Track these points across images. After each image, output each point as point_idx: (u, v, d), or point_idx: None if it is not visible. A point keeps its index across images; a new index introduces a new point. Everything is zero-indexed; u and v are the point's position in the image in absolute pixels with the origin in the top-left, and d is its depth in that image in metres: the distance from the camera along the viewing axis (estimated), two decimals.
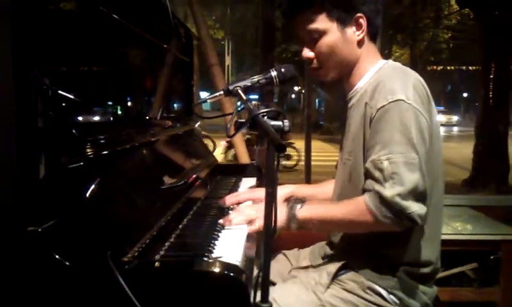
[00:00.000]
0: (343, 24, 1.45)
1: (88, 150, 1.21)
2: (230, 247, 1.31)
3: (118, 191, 1.27)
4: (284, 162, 9.67)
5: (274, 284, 1.60)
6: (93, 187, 1.13)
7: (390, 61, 1.51)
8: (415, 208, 1.26)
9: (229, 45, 21.73)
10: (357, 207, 1.34)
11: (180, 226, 1.49)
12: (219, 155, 10.10)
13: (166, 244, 1.31)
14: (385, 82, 1.37)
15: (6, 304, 1.07)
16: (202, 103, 1.72)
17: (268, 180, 1.11)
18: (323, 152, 11.44)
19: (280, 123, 1.15)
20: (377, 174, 1.30)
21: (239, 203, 1.71)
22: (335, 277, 1.49)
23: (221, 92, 1.35)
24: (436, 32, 18.37)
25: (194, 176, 1.89)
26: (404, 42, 19.92)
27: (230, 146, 8.03)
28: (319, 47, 1.47)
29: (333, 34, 1.45)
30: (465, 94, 33.18)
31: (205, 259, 1.19)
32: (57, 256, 1.03)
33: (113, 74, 1.62)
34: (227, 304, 1.05)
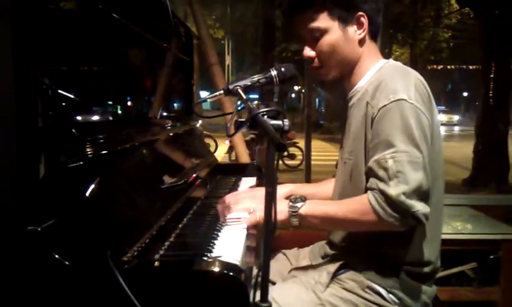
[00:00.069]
0: (344, 23, 1.45)
1: (88, 150, 1.21)
2: (229, 246, 1.31)
3: (117, 191, 1.27)
4: (288, 162, 9.68)
5: (274, 283, 1.60)
6: (92, 186, 1.13)
7: (391, 61, 1.51)
8: (419, 207, 1.26)
9: (229, 44, 21.74)
10: (360, 206, 1.34)
11: (180, 226, 1.49)
12: (222, 154, 10.10)
13: (166, 243, 1.31)
14: (387, 81, 1.37)
15: (6, 304, 1.07)
16: (202, 103, 1.72)
17: (268, 179, 1.11)
18: (323, 151, 11.45)
19: (279, 122, 1.15)
20: (381, 173, 1.29)
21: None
22: (334, 276, 1.49)
23: (221, 91, 1.35)
24: (437, 31, 18.37)
25: (194, 175, 1.89)
26: (404, 41, 19.91)
27: (233, 145, 8.04)
28: (320, 45, 1.47)
29: (335, 32, 1.45)
30: (465, 94, 33.20)
31: (205, 258, 1.19)
32: (56, 256, 1.03)
33: (113, 73, 1.62)
34: (227, 304, 1.05)
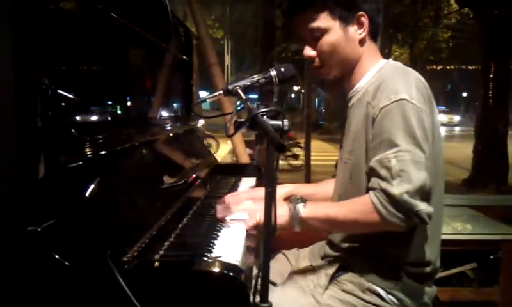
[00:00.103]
0: (345, 22, 1.44)
1: (87, 150, 1.21)
2: (229, 246, 1.31)
3: (117, 191, 1.27)
4: (291, 162, 9.69)
5: (274, 284, 1.60)
6: (92, 186, 1.13)
7: (391, 61, 1.51)
8: (422, 206, 1.25)
9: (228, 44, 21.74)
10: (362, 206, 1.32)
11: (180, 226, 1.49)
12: (223, 154, 10.08)
13: (166, 243, 1.31)
14: (388, 81, 1.37)
15: (6, 304, 1.07)
16: (201, 103, 1.72)
17: (268, 180, 1.11)
18: (323, 152, 11.46)
19: (279, 122, 1.15)
20: (383, 172, 1.28)
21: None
22: (333, 278, 1.49)
23: (221, 91, 1.34)
24: (436, 31, 18.36)
25: (193, 175, 1.89)
26: (403, 41, 19.91)
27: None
28: (321, 45, 1.47)
29: (335, 32, 1.45)
30: (465, 94, 33.21)
31: (205, 258, 1.19)
32: (56, 256, 1.03)
33: (112, 74, 1.62)
34: (227, 304, 1.05)
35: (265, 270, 1.08)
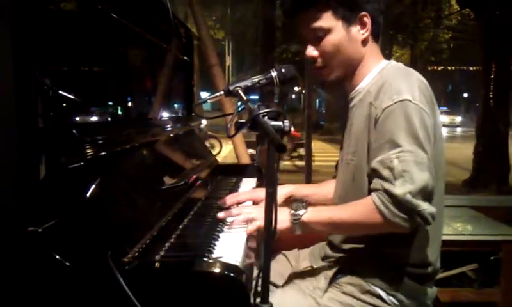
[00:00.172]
0: (348, 23, 1.44)
1: (88, 150, 1.20)
2: (230, 247, 1.31)
3: (118, 191, 1.27)
4: (297, 163, 9.68)
5: (275, 285, 1.60)
6: (93, 187, 1.13)
7: (393, 62, 1.51)
8: (425, 206, 1.25)
9: (229, 45, 21.72)
10: (365, 208, 1.32)
11: (181, 227, 1.49)
12: (224, 155, 10.05)
13: (166, 244, 1.31)
14: (390, 82, 1.37)
15: (6, 304, 1.07)
16: (202, 104, 1.72)
17: (268, 180, 1.10)
18: (323, 152, 11.45)
19: (280, 123, 1.15)
20: (386, 173, 1.28)
21: (239, 204, 1.71)
22: (333, 280, 1.48)
23: (222, 92, 1.35)
24: (437, 32, 18.36)
25: (194, 176, 1.89)
26: (404, 42, 19.91)
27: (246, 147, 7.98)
28: (324, 45, 1.46)
29: (338, 32, 1.45)
30: (466, 95, 33.17)
31: (205, 259, 1.19)
32: (57, 257, 1.03)
33: (114, 74, 1.62)
34: (227, 305, 1.05)
35: (265, 271, 1.08)
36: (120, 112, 1.69)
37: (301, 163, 9.63)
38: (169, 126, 2.02)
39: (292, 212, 1.42)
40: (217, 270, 1.06)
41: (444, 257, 1.53)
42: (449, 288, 2.74)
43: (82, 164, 1.16)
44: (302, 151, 9.64)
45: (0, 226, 1.07)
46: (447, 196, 1.51)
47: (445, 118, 26.31)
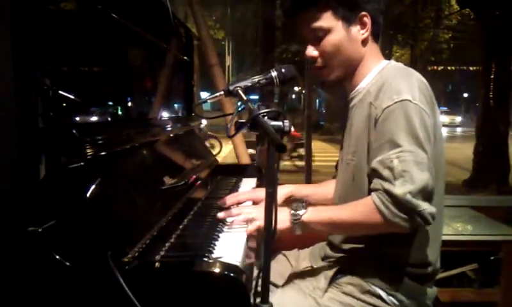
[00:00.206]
0: (348, 22, 1.44)
1: (88, 150, 1.20)
2: (230, 247, 1.31)
3: (118, 191, 1.27)
4: (297, 163, 9.68)
5: (275, 285, 1.60)
6: (93, 187, 1.13)
7: (393, 62, 1.51)
8: (425, 206, 1.25)
9: (229, 45, 21.72)
10: (365, 208, 1.32)
11: (181, 227, 1.49)
12: (230, 154, 10.04)
13: (167, 244, 1.31)
14: (390, 82, 1.37)
15: (6, 304, 1.07)
16: (202, 104, 1.72)
17: (268, 180, 1.10)
18: (324, 152, 11.45)
19: (280, 123, 1.15)
20: (386, 172, 1.28)
21: (239, 203, 1.71)
22: (333, 280, 1.48)
23: (222, 92, 1.34)
24: (437, 32, 18.36)
25: (194, 176, 1.89)
26: (404, 42, 19.91)
27: (247, 147, 7.97)
28: (324, 45, 1.46)
29: (338, 32, 1.44)
30: (466, 95, 33.17)
31: (205, 259, 1.19)
32: (57, 257, 1.03)
33: (114, 74, 1.62)
34: (227, 305, 1.05)
35: (265, 271, 1.08)
36: (119, 112, 1.69)
37: (301, 163, 9.62)
38: (169, 126, 2.02)
39: (292, 211, 1.41)
40: (217, 270, 1.06)
41: (444, 257, 1.53)
42: (449, 288, 2.74)
43: (82, 164, 1.16)
44: (302, 151, 9.63)
45: (1, 226, 1.07)
46: (447, 196, 1.51)
47: (445, 118, 26.29)
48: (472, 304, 2.73)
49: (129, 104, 1.78)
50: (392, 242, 1.39)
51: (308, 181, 4.26)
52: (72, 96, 1.26)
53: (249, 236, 1.42)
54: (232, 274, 1.05)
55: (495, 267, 2.72)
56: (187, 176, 1.79)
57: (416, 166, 1.26)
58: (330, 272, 1.49)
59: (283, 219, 1.40)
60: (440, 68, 25.36)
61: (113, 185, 1.25)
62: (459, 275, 2.81)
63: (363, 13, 1.44)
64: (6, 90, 1.04)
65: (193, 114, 2.64)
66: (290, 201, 1.64)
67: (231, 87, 1.32)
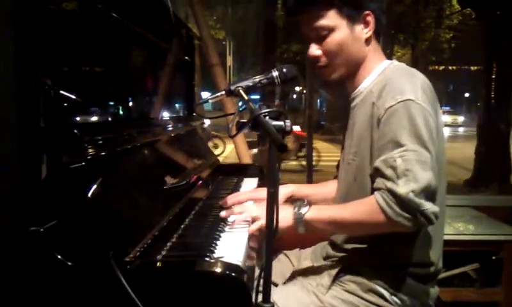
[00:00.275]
0: (352, 21, 1.43)
1: (90, 150, 1.21)
2: (231, 247, 1.31)
3: (120, 191, 1.27)
4: (303, 162, 9.67)
5: (276, 284, 1.60)
6: (94, 187, 1.13)
7: (395, 62, 1.51)
8: (428, 205, 1.25)
9: (230, 45, 21.72)
10: (368, 207, 1.32)
11: (182, 226, 1.49)
12: (231, 154, 10.06)
13: (168, 244, 1.31)
14: (393, 82, 1.36)
15: (7, 304, 1.07)
16: (204, 103, 1.72)
17: (270, 180, 1.10)
18: (324, 152, 11.45)
19: (281, 123, 1.15)
20: (389, 172, 1.28)
21: (240, 203, 1.70)
22: (336, 278, 1.48)
23: (223, 92, 1.34)
24: (438, 32, 18.33)
25: (195, 176, 1.89)
26: (405, 42, 19.89)
27: (249, 146, 7.97)
28: (327, 44, 1.45)
29: (342, 31, 1.44)
30: (467, 95, 33.16)
31: (207, 259, 1.19)
32: (59, 256, 1.03)
33: (115, 74, 1.63)
34: (229, 304, 1.05)
35: (267, 271, 1.08)
36: (121, 112, 1.69)
37: None
38: (170, 126, 2.02)
39: (295, 209, 1.41)
40: (218, 269, 1.06)
41: (446, 257, 1.53)
42: (451, 288, 2.73)
43: (83, 163, 1.16)
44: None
45: (2, 225, 1.07)
46: (449, 195, 1.50)
47: (447, 118, 26.29)
48: (473, 304, 2.73)
49: (130, 104, 1.79)
50: (394, 242, 1.39)
51: (310, 180, 4.26)
52: (73, 96, 1.26)
53: (251, 236, 1.42)
54: (233, 274, 1.05)
55: (497, 266, 2.72)
56: (188, 176, 1.79)
57: (420, 165, 1.26)
58: (333, 271, 1.49)
59: (286, 216, 1.40)
60: (441, 67, 25.32)
61: (115, 185, 1.25)
62: (460, 275, 2.81)
63: (367, 12, 1.44)
64: (7, 90, 1.04)
65: (194, 114, 2.64)
66: (291, 201, 1.64)
67: (232, 87, 1.32)
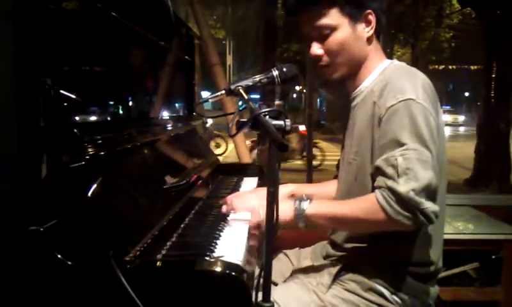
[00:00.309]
0: (354, 20, 1.43)
1: (90, 150, 1.21)
2: (231, 246, 1.31)
3: (119, 191, 1.28)
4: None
5: (276, 284, 1.60)
6: (94, 186, 1.13)
7: (395, 61, 1.51)
8: (428, 204, 1.25)
9: (230, 44, 21.73)
10: (368, 205, 1.32)
11: (182, 226, 1.49)
12: (231, 154, 10.07)
13: (168, 243, 1.31)
14: (394, 81, 1.36)
15: (8, 304, 1.07)
16: (204, 103, 1.72)
17: (270, 179, 1.10)
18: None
19: (281, 122, 1.15)
20: (389, 170, 1.28)
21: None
22: (336, 277, 1.48)
23: (223, 91, 1.34)
24: (438, 31, 18.33)
25: (195, 175, 1.89)
26: (405, 41, 19.89)
27: (253, 146, 7.98)
28: (329, 43, 1.45)
29: (344, 30, 1.44)
30: (467, 94, 33.17)
31: (207, 258, 1.19)
32: (59, 256, 1.03)
33: (115, 73, 1.63)
34: (229, 304, 1.05)
35: (267, 270, 1.08)
36: (121, 112, 1.69)
37: (315, 162, 9.64)
38: (170, 125, 2.02)
39: (296, 204, 1.42)
40: (218, 269, 1.06)
41: (445, 256, 1.53)
42: (451, 287, 2.74)
43: (83, 163, 1.16)
44: (314, 150, 9.66)
45: (2, 225, 1.07)
46: (448, 195, 1.50)
47: (448, 117, 26.28)
48: (473, 303, 2.73)
49: (130, 103, 1.79)
50: (394, 241, 1.39)
51: (310, 180, 4.26)
52: (73, 96, 1.26)
53: (251, 235, 1.42)
54: (233, 273, 1.05)
55: (497, 265, 2.72)
56: (188, 176, 1.79)
57: (421, 164, 1.26)
58: (334, 270, 1.49)
59: (286, 209, 1.40)
60: (441, 67, 25.33)
61: (115, 185, 1.25)
62: (460, 274, 2.81)
63: (369, 10, 1.44)
64: (7, 89, 1.05)
65: (194, 114, 2.64)
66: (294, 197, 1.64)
67: (232, 87, 1.31)
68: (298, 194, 1.77)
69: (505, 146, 7.21)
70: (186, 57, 2.54)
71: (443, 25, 17.72)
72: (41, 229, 1.03)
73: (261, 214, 1.43)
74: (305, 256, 1.73)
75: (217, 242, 1.34)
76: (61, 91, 1.19)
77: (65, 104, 1.24)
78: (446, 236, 1.56)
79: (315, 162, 9.65)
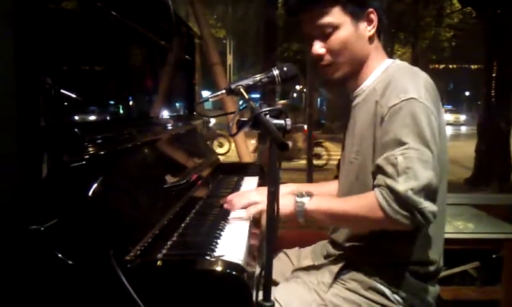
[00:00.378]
0: (356, 18, 1.43)
1: (91, 149, 1.21)
2: (232, 245, 1.31)
3: (120, 190, 1.28)
4: (315, 161, 9.68)
5: (276, 283, 1.60)
6: (95, 185, 1.13)
7: (397, 60, 1.50)
8: (427, 204, 1.24)
9: (231, 44, 21.72)
10: (367, 202, 1.32)
11: (183, 225, 1.49)
12: (249, 154, 10.10)
13: (169, 242, 1.31)
14: (397, 80, 1.36)
15: (8, 303, 1.07)
16: (204, 102, 1.72)
17: (271, 179, 1.10)
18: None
19: (282, 121, 1.15)
20: (389, 169, 1.27)
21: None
22: (337, 276, 1.48)
23: (223, 91, 1.34)
24: (438, 30, 18.32)
25: (196, 175, 1.89)
26: (406, 40, 19.87)
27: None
28: (332, 42, 1.44)
29: (347, 28, 1.43)
30: (467, 93, 33.17)
31: (208, 258, 1.19)
32: (59, 255, 1.03)
33: (115, 73, 1.63)
34: (229, 303, 1.05)
35: (267, 269, 1.08)
36: (121, 111, 1.69)
37: (319, 161, 9.65)
38: (170, 125, 2.02)
39: (297, 198, 1.42)
40: (219, 268, 1.06)
41: (446, 255, 1.53)
42: (451, 286, 2.74)
43: (84, 162, 1.16)
44: (320, 149, 9.67)
45: (3, 224, 1.07)
46: (449, 194, 1.50)
47: (449, 117, 26.27)
48: (474, 302, 2.73)
49: (131, 103, 1.79)
50: (395, 241, 1.39)
51: (310, 180, 4.26)
52: (73, 95, 1.26)
53: (252, 235, 1.42)
54: (234, 272, 1.05)
55: (497, 265, 2.72)
56: (188, 175, 1.79)
57: (421, 164, 1.25)
58: (335, 268, 1.49)
59: (287, 203, 1.40)
60: (442, 66, 25.31)
61: (115, 184, 1.25)
62: (461, 274, 2.81)
63: (371, 9, 1.44)
64: (7, 89, 1.05)
65: (195, 113, 2.64)
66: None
67: (233, 86, 1.31)
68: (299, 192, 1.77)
69: (505, 145, 7.22)
70: (186, 56, 2.54)
71: (443, 24, 17.71)
72: (42, 229, 1.03)
73: (261, 207, 1.43)
74: (305, 255, 1.72)
75: (218, 241, 1.34)
76: (62, 91, 1.19)
77: (66, 104, 1.24)
78: (446, 236, 1.55)
79: (320, 162, 9.69)
